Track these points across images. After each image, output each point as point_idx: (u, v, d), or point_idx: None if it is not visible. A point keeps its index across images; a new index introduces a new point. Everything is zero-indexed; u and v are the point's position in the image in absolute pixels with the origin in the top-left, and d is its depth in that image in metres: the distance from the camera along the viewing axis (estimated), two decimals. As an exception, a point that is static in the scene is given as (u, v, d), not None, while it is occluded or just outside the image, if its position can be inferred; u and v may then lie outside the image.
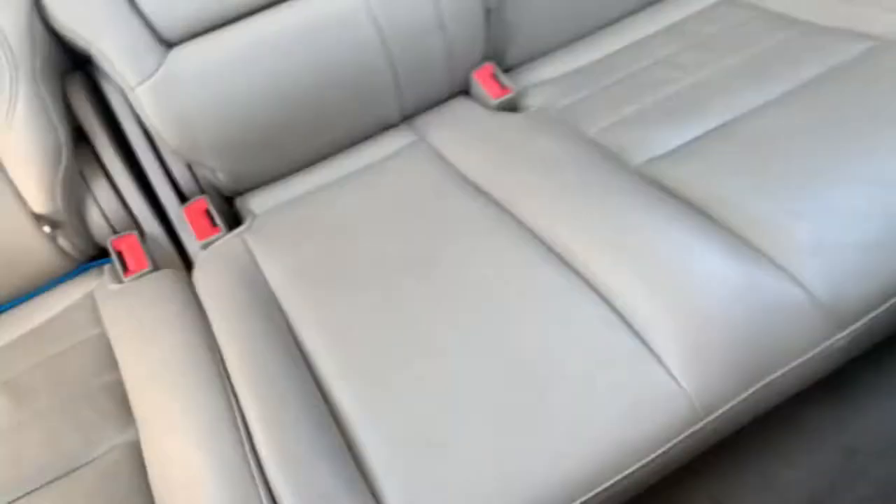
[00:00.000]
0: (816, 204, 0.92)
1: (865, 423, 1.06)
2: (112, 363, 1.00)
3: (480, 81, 1.29)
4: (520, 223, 1.03)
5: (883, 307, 0.88)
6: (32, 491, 0.88)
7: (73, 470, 0.89)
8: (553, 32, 1.40)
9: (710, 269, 0.88)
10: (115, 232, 1.19)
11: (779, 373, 0.85)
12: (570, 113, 1.23)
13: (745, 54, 1.23)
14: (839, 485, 1.01)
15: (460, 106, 1.31)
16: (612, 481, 0.80)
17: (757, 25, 1.31)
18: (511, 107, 1.29)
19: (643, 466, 0.81)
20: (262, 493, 0.79)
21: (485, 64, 1.30)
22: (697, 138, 1.08)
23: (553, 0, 1.32)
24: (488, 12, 1.25)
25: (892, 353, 1.01)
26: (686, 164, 1.04)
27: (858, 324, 0.87)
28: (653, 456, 0.81)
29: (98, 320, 1.07)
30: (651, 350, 0.85)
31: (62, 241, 1.14)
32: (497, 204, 1.08)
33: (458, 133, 1.25)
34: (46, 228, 1.11)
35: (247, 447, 0.83)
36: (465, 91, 1.34)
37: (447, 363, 0.88)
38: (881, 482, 1.00)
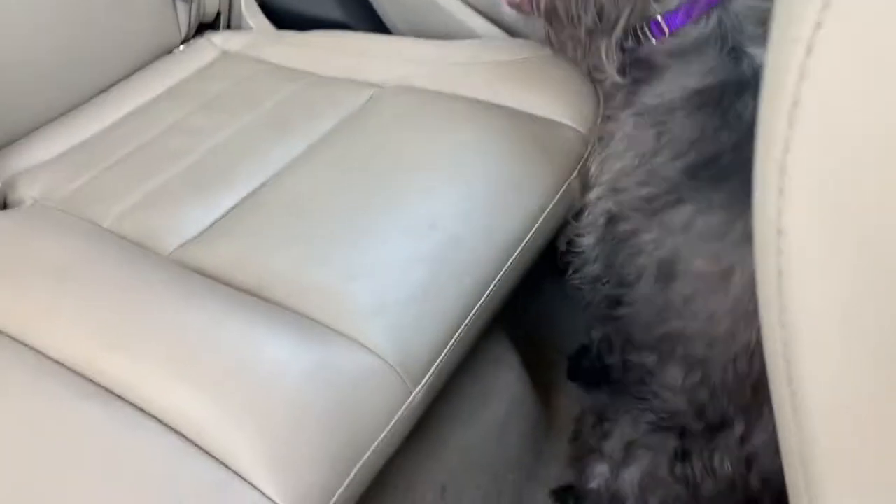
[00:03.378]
0: (367, 262, 0.90)
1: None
2: None
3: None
4: (40, 356, 0.82)
5: (444, 351, 0.89)
6: None
7: None
8: (35, 103, 1.19)
9: (277, 361, 0.80)
10: None
11: (371, 449, 0.80)
12: (79, 200, 1.04)
13: (260, 110, 1.18)
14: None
15: None
16: None
17: (263, 79, 1.27)
18: (-3, 204, 1.05)
19: None
20: None
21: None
22: (231, 211, 0.99)
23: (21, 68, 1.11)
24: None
25: (457, 386, 1.04)
26: (225, 244, 0.94)
27: (429, 374, 0.87)
28: None
29: None
30: (234, 471, 0.73)
31: None
32: (5, 336, 0.85)
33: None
34: None
35: None
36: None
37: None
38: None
